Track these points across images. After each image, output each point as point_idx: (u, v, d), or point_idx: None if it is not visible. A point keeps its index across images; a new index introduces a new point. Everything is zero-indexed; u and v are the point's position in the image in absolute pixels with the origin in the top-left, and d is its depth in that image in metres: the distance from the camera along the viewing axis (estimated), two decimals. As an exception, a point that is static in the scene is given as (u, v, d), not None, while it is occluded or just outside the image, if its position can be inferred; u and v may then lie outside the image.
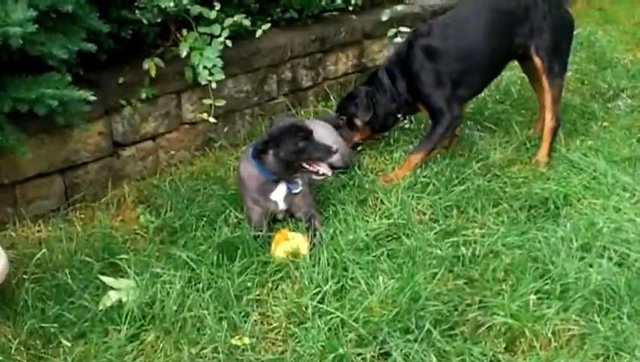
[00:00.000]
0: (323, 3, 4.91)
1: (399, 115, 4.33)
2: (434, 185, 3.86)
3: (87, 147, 3.77)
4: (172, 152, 4.18)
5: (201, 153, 4.30)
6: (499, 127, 4.65)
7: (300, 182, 3.53)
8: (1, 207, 3.53)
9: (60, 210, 3.69)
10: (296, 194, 3.52)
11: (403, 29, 4.82)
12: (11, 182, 3.53)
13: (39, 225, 3.56)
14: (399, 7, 5.07)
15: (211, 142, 4.34)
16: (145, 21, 3.81)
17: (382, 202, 3.74)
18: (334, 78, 5.08)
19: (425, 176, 3.93)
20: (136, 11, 3.79)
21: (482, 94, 4.75)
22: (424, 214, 3.65)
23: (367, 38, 5.21)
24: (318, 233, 3.40)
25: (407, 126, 4.48)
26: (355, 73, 5.20)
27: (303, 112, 4.83)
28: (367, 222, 3.55)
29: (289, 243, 3.27)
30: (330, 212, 3.65)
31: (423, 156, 4.07)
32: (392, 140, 4.47)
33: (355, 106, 4.26)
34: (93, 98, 3.38)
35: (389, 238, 3.45)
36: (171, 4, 3.76)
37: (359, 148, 4.39)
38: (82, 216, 3.68)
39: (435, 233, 3.47)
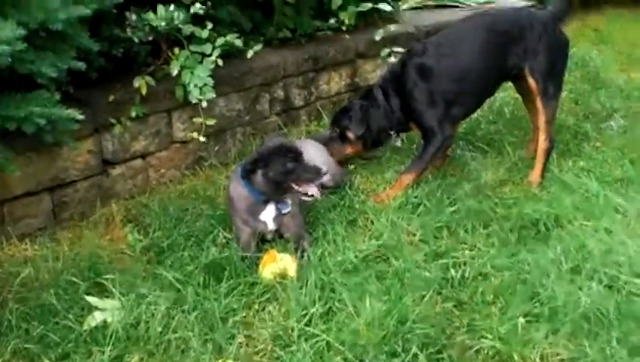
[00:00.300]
0: (317, 23, 4.93)
1: (392, 133, 4.32)
2: (425, 205, 3.85)
3: (77, 165, 3.75)
4: (162, 171, 4.17)
5: (192, 172, 4.29)
6: (491, 147, 4.64)
7: (289, 202, 3.51)
8: (-12, 225, 3.51)
9: (48, 228, 3.67)
10: (285, 214, 3.50)
11: (396, 48, 4.81)
12: (-1, 200, 3.51)
13: (26, 244, 3.54)
14: (392, 27, 5.08)
15: (202, 161, 4.33)
16: (136, 40, 3.82)
17: (372, 223, 3.72)
18: (327, 97, 5.09)
19: (416, 197, 3.92)
20: (128, 30, 3.79)
21: (475, 114, 4.74)
22: (414, 235, 3.63)
23: (360, 57, 5.22)
24: (306, 254, 3.38)
25: (398, 145, 4.46)
26: (348, 92, 5.20)
27: (295, 132, 4.81)
28: (357, 243, 3.53)
29: (277, 264, 3.24)
30: (320, 232, 3.62)
31: (415, 176, 4.06)
32: (383, 160, 4.47)
33: (348, 119, 4.26)
34: (81, 117, 3.35)
35: (378, 260, 3.42)
36: (163, 23, 3.76)
37: (351, 166, 4.37)
38: (70, 234, 3.66)
39: (425, 254, 3.44)
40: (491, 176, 4.24)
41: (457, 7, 6.49)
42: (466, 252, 3.48)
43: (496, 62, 4.14)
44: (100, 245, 3.54)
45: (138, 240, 3.55)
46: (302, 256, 3.36)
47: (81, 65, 3.39)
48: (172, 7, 3.81)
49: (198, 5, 3.89)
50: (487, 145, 4.66)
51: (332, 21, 5.00)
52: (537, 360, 2.77)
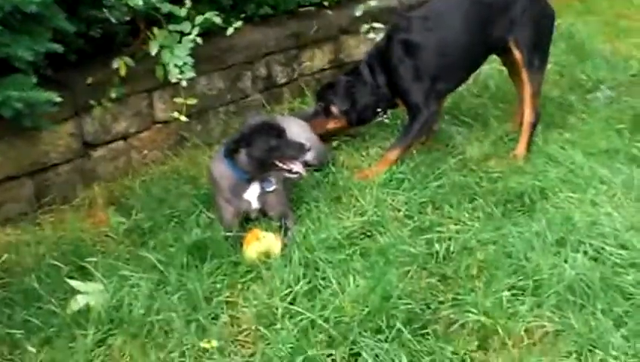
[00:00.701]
0: (298, -2, 4.88)
1: (379, 110, 4.29)
2: (409, 180, 3.83)
3: (58, 148, 3.72)
4: (144, 152, 4.13)
5: (174, 152, 4.24)
6: (476, 121, 4.61)
7: (273, 180, 3.48)
8: (-31, 211, 3.48)
9: (30, 213, 3.63)
10: (269, 192, 3.47)
11: (376, 24, 4.76)
12: (-21, 185, 3.48)
13: (8, 229, 3.51)
14: (374, 1, 5.01)
15: (184, 141, 4.29)
16: (114, 20, 3.76)
17: (356, 199, 3.70)
18: (310, 74, 5.03)
19: (400, 172, 3.90)
20: (105, 10, 3.73)
21: (460, 88, 4.70)
22: (399, 211, 3.61)
23: (343, 33, 5.15)
24: (290, 232, 3.36)
25: (386, 121, 4.43)
26: (332, 69, 5.14)
27: (278, 109, 4.77)
28: (341, 219, 3.52)
29: (260, 242, 3.22)
30: (304, 210, 3.61)
31: (400, 152, 4.03)
32: (368, 136, 4.44)
33: (333, 94, 4.23)
34: (59, 99, 3.32)
35: (363, 236, 3.41)
36: (140, 2, 3.69)
37: (334, 143, 4.34)
38: (52, 219, 3.62)
39: (410, 230, 3.43)
40: (476, 150, 4.22)
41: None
42: (451, 226, 3.48)
43: (482, 35, 4.11)
44: (82, 228, 3.51)
45: (121, 222, 3.52)
46: (286, 235, 3.34)
47: (58, 47, 3.35)
48: (149, -15, 3.75)
49: (175, -17, 3.84)
50: (472, 118, 4.64)
51: (314, -4, 4.95)
52: (522, 333, 2.78)
